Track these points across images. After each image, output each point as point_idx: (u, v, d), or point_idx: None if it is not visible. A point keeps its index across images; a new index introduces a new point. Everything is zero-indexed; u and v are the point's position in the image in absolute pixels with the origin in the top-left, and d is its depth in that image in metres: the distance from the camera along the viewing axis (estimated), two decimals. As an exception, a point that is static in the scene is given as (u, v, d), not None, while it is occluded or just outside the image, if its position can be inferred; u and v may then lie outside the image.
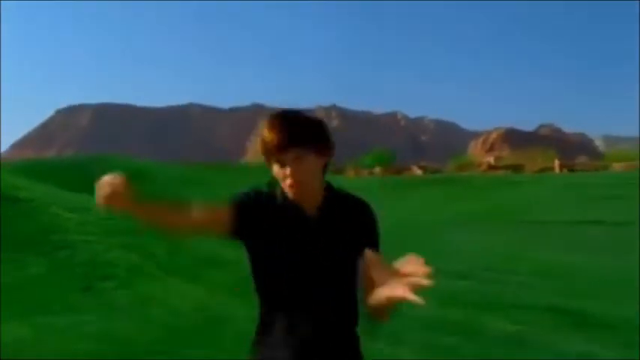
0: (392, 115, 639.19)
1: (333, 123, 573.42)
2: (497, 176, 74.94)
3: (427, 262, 2.07)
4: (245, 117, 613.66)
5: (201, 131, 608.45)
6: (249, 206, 2.65)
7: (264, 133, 2.59)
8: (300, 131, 2.58)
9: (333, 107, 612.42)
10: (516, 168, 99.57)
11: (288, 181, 2.58)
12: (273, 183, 2.69)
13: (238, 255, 9.56)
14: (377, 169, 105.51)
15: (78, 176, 24.07)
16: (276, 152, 2.56)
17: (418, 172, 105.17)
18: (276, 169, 2.61)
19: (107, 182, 2.44)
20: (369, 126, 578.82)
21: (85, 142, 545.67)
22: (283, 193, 2.66)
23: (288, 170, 2.57)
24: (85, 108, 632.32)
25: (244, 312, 7.72)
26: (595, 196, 39.63)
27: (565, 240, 20.63)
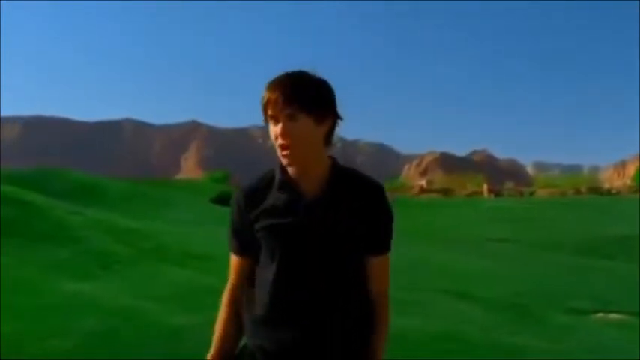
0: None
1: (270, 142, 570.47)
2: (428, 199, 77.97)
3: None
4: (180, 133, 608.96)
5: (135, 147, 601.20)
6: (241, 226, 2.58)
7: (263, 92, 2.44)
8: (297, 90, 2.40)
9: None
10: (447, 192, 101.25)
11: (279, 142, 2.43)
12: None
13: (210, 251, 13.18)
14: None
15: (39, 188, 25.95)
16: (269, 109, 2.43)
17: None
18: (271, 130, 2.47)
19: None
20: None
21: (17, 154, 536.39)
22: (282, 170, 2.53)
23: (279, 128, 2.42)
24: (17, 120, 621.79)
25: (219, 285, 11.24)
26: (512, 219, 43.09)
27: (471, 252, 23.81)
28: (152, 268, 13.48)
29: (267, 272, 2.50)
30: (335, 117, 2.53)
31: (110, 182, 44.25)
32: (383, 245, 2.59)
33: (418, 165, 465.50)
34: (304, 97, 2.41)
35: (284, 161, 2.46)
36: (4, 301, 8.98)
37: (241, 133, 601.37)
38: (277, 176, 2.53)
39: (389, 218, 2.58)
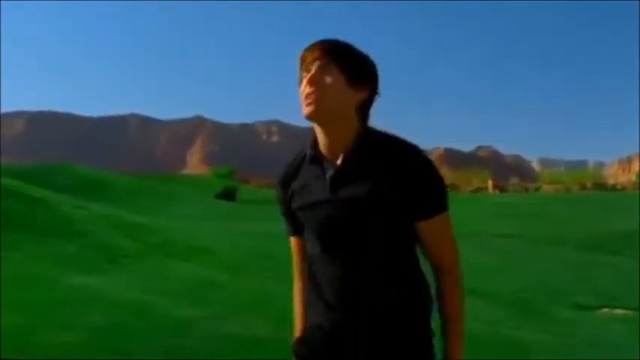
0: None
1: (274, 138, 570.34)
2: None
3: None
4: (185, 129, 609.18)
5: (140, 142, 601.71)
6: (285, 209, 2.56)
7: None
8: (335, 47, 2.32)
9: (275, 122, 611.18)
10: (452, 187, 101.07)
11: (306, 90, 2.29)
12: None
13: (216, 246, 13.37)
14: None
15: (43, 183, 26.05)
16: (304, 62, 2.33)
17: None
18: (301, 86, 2.33)
19: None
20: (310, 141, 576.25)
21: (20, 149, 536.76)
22: (312, 145, 2.43)
23: (308, 76, 2.30)
24: (21, 115, 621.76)
25: (224, 279, 11.50)
26: (517, 214, 43.11)
27: (476, 247, 23.91)
28: (159, 262, 13.57)
29: (311, 251, 2.46)
30: (373, 90, 2.38)
31: (115, 177, 44.41)
32: (427, 207, 2.29)
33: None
34: (341, 53, 2.31)
35: (305, 111, 2.29)
36: (11, 295, 9.04)
37: (246, 129, 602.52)
38: (308, 152, 2.43)
39: (428, 177, 2.28)
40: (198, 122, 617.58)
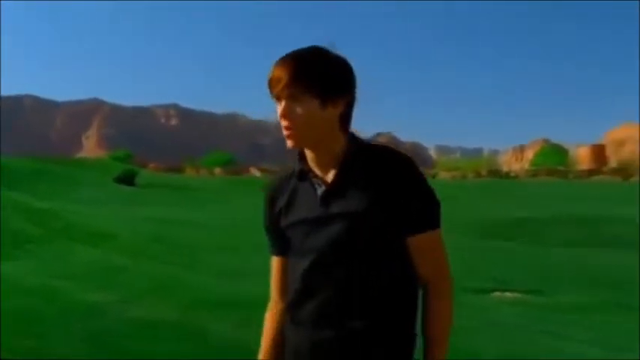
0: (233, 116, 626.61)
1: (172, 122, 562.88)
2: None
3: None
4: (81, 111, 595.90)
5: (35, 123, 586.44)
6: (271, 226, 2.44)
7: (271, 69, 2.26)
8: (301, 69, 2.20)
9: (173, 106, 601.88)
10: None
11: (282, 123, 2.23)
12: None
13: (117, 231, 13.51)
14: (217, 170, 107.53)
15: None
16: (273, 88, 2.23)
17: (257, 173, 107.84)
18: (277, 110, 2.25)
19: None
20: (209, 126, 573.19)
21: None
22: (299, 159, 2.35)
23: (280, 108, 2.23)
24: None
25: (127, 263, 11.73)
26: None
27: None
28: (62, 247, 13.61)
29: (296, 270, 2.33)
30: (351, 97, 2.28)
31: (11, 161, 43.46)
32: (418, 222, 2.22)
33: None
34: (309, 77, 2.19)
35: (287, 143, 2.24)
36: None
37: (144, 112, 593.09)
38: (296, 167, 2.34)
39: (419, 190, 2.22)
40: (95, 105, 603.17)
